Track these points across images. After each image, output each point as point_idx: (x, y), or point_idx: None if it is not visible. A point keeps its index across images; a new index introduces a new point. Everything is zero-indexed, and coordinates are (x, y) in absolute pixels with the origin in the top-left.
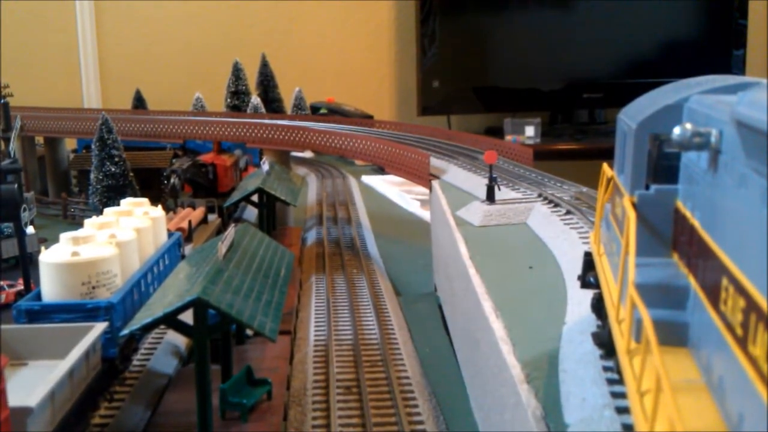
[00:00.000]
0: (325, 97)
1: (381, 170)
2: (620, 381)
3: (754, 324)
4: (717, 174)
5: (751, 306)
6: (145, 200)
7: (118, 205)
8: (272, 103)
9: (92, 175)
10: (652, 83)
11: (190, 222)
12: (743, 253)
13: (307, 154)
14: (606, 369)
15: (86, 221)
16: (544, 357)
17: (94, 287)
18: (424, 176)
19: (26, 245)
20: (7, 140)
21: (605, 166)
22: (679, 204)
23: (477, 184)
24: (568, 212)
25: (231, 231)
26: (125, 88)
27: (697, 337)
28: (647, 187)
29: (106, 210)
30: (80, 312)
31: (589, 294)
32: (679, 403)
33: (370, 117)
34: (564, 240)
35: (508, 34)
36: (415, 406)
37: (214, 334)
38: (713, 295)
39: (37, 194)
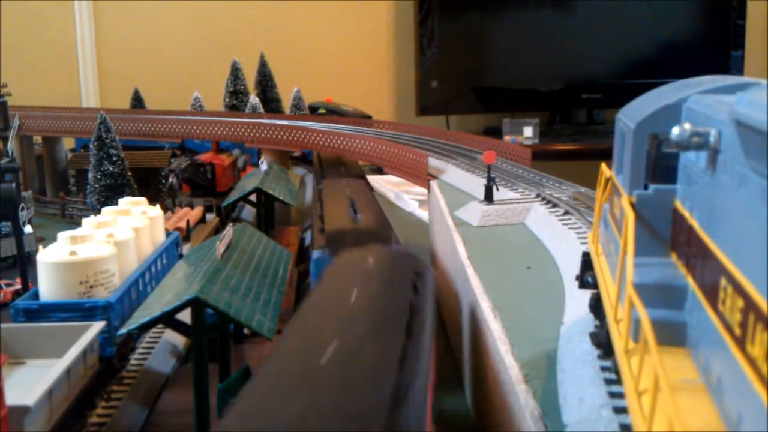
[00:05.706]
0: (323, 96)
1: (379, 170)
2: (618, 381)
3: (752, 324)
4: (716, 174)
5: (750, 306)
6: (143, 200)
7: (116, 204)
8: (270, 103)
9: (90, 175)
10: (651, 83)
11: (188, 221)
12: (742, 253)
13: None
14: (604, 369)
15: (84, 220)
16: (542, 357)
17: (91, 286)
18: (422, 176)
19: (24, 244)
20: (5, 139)
21: (603, 166)
22: (678, 204)
23: (475, 184)
24: (566, 212)
25: (229, 230)
26: (123, 87)
27: (696, 337)
28: (646, 187)
29: (104, 209)
30: (78, 311)
31: (587, 294)
32: (677, 403)
33: (369, 117)
34: (562, 240)
35: (508, 34)
36: None
37: (211, 333)
38: (712, 295)
39: (35, 193)
